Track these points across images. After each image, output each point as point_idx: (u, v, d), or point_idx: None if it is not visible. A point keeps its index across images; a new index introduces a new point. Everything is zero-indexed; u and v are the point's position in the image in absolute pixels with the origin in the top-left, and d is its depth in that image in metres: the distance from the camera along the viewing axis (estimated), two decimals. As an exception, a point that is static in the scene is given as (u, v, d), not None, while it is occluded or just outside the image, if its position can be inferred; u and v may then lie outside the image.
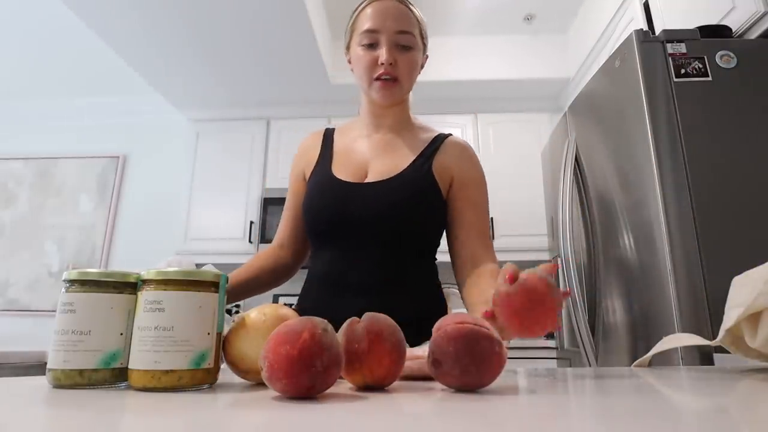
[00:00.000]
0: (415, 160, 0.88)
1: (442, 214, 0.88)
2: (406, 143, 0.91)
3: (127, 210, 3.33)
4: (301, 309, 0.87)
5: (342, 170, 0.89)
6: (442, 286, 0.93)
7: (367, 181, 0.87)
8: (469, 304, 0.80)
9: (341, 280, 0.83)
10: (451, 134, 0.95)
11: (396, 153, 0.90)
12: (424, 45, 0.93)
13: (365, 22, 0.86)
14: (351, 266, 0.83)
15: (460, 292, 0.89)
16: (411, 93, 0.97)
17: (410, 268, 0.82)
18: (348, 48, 0.93)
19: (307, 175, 0.95)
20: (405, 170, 0.86)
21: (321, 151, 0.96)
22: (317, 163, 0.94)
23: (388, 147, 0.91)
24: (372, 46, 0.86)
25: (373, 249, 0.81)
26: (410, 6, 0.90)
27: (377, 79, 0.86)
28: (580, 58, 2.73)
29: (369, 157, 0.91)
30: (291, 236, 0.97)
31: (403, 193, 0.83)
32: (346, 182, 0.87)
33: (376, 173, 0.87)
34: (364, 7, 0.89)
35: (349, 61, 0.92)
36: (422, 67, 0.95)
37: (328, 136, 0.98)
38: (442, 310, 0.89)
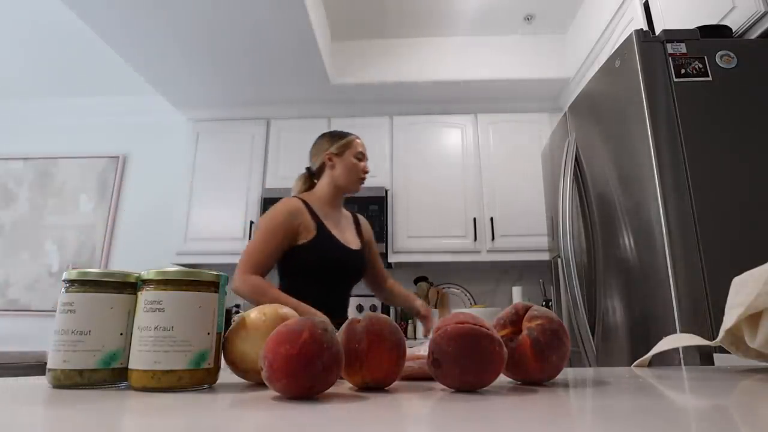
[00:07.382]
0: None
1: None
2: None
3: (127, 210, 3.33)
4: None
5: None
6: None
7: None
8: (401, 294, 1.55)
9: None
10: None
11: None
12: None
13: (358, 147, 1.46)
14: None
15: (379, 293, 1.58)
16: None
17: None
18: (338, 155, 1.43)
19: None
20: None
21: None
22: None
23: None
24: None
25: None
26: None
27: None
28: (579, 58, 2.73)
29: None
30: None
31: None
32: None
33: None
34: (354, 140, 1.46)
35: (330, 159, 1.43)
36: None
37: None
38: None
